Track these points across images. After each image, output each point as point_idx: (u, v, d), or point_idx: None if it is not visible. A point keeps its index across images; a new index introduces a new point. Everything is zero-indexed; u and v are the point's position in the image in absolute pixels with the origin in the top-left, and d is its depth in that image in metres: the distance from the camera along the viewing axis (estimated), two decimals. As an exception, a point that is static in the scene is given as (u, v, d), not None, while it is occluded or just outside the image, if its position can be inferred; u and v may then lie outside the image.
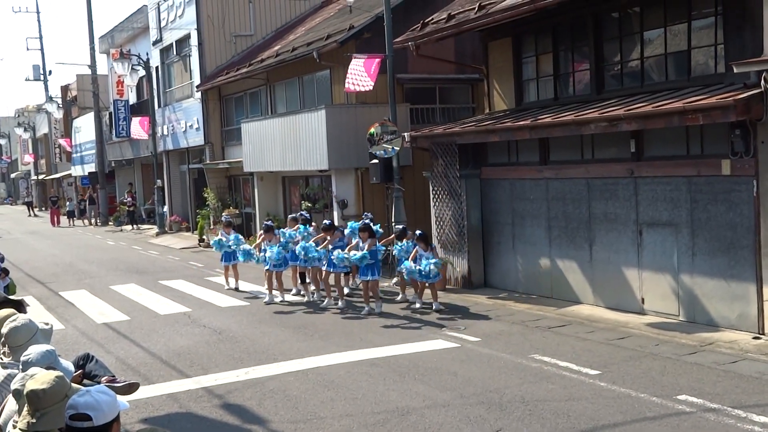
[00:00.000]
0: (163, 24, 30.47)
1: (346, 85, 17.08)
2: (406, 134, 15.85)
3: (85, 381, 5.87)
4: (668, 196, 11.34)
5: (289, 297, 14.92)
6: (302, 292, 15.11)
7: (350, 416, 7.81)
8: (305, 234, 14.78)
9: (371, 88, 16.71)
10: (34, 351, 4.81)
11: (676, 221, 11.26)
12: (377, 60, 16.58)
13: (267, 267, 14.78)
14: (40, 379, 4.07)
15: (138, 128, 32.26)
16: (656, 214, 11.56)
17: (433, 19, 15.44)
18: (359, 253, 13.16)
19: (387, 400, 8.24)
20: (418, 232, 13.77)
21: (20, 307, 6.25)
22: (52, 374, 4.13)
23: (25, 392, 4.08)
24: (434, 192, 15.55)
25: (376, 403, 8.16)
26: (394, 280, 15.43)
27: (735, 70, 9.87)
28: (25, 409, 4.10)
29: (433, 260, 13.22)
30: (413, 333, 11.47)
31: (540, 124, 12.26)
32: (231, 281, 16.41)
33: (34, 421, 3.98)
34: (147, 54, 31.54)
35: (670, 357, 9.48)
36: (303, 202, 21.32)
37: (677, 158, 11.21)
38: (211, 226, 24.85)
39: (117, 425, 3.69)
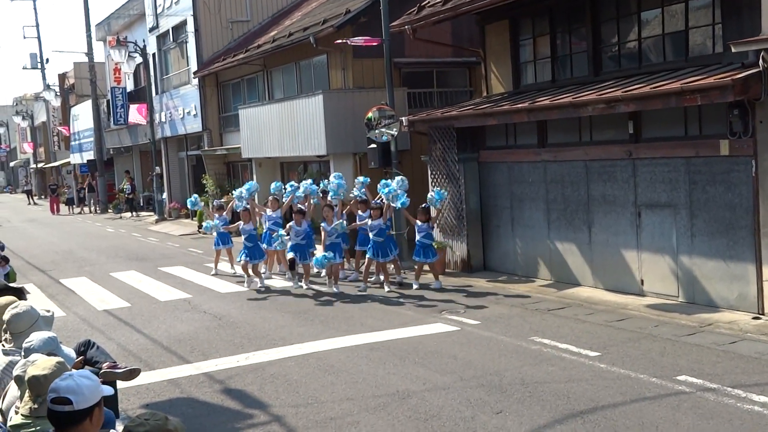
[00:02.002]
0: (159, 10, 30.34)
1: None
2: (403, 118, 15.82)
3: (87, 367, 5.89)
4: (667, 177, 11.33)
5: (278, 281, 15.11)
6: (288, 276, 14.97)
7: (351, 400, 7.84)
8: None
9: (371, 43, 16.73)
10: (35, 338, 4.83)
11: (674, 202, 11.27)
12: (373, 43, 16.54)
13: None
14: (41, 365, 4.09)
15: (136, 115, 32.22)
16: (655, 195, 11.56)
17: (429, 2, 15.37)
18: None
19: (387, 384, 8.27)
20: (423, 205, 14.06)
21: (21, 294, 6.27)
22: (53, 360, 4.15)
23: (26, 378, 4.10)
24: (433, 176, 15.53)
25: (377, 387, 8.19)
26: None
27: (733, 50, 9.83)
28: (27, 394, 4.12)
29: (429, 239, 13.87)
30: (413, 317, 11.50)
31: (538, 106, 12.23)
32: (223, 265, 16.52)
33: (36, 406, 4.01)
34: (143, 41, 31.43)
35: (669, 338, 9.51)
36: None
37: (675, 139, 11.20)
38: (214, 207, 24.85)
39: (99, 410, 3.68)
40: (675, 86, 10.00)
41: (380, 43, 16.50)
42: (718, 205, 10.64)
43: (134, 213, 35.08)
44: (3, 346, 5.33)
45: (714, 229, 10.74)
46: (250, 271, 14.79)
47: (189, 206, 15.71)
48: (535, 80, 14.49)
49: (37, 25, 50.59)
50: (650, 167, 11.57)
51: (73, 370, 3.86)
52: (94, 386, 3.68)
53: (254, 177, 23.41)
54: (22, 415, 4.10)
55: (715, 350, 8.89)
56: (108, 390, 3.95)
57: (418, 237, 13.78)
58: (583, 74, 13.29)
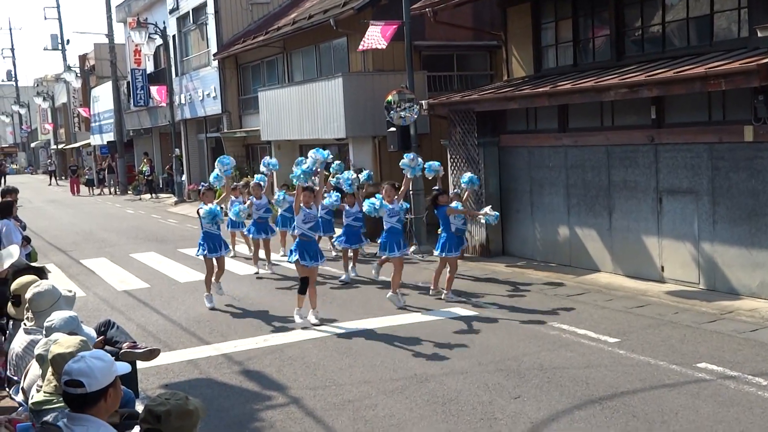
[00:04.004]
0: (179, -8, 30.37)
1: (360, 46, 17.03)
2: (423, 102, 15.76)
3: (107, 347, 5.93)
4: (689, 163, 11.23)
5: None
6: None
7: (368, 383, 7.85)
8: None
9: (384, 46, 16.66)
10: (57, 317, 4.87)
11: (696, 189, 11.16)
12: (393, 27, 16.48)
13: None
14: (64, 343, 4.11)
15: (156, 96, 32.32)
16: (677, 181, 11.46)
17: (451, -16, 15.26)
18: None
19: (405, 368, 8.27)
20: (455, 190, 13.28)
21: (41, 274, 6.31)
22: (77, 339, 4.18)
23: (50, 357, 4.12)
24: (452, 160, 15.48)
25: (395, 370, 8.20)
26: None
27: (759, 35, 9.71)
28: (50, 372, 4.15)
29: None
30: (431, 301, 11.48)
31: (559, 90, 12.14)
32: (241, 248, 16.51)
33: (59, 384, 4.03)
34: (164, 22, 31.47)
35: (689, 325, 9.45)
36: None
37: (699, 125, 11.09)
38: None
39: (114, 390, 3.70)
40: (699, 71, 9.88)
41: (401, 26, 16.42)
42: (741, 192, 10.53)
43: (153, 195, 35.25)
44: (24, 324, 5.37)
45: (736, 215, 10.64)
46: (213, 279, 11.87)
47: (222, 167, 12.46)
48: (556, 64, 14.37)
49: (58, 6, 50.71)
50: (672, 153, 11.46)
51: (86, 351, 3.87)
52: (106, 367, 3.67)
53: (274, 159, 23.45)
54: (45, 392, 4.13)
55: (735, 338, 8.82)
56: (124, 368, 3.97)
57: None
58: (606, 58, 13.17)
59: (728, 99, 10.65)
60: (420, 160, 11.95)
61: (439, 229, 11.78)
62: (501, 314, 10.46)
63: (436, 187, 12.47)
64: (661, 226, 11.78)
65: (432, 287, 11.82)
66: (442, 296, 11.48)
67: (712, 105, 10.95)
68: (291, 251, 10.60)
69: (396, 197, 11.37)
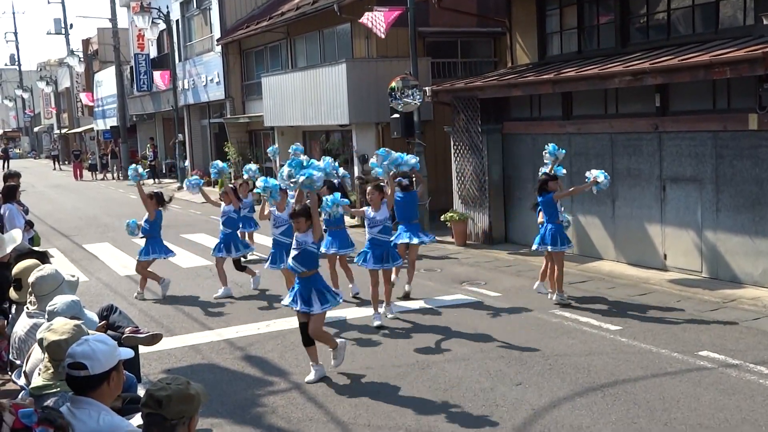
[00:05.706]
0: (183, -24, 30.27)
1: (362, 19, 16.96)
2: (427, 88, 15.71)
3: (109, 332, 5.93)
4: (693, 151, 11.20)
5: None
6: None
7: (370, 369, 7.87)
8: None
9: (382, 36, 16.61)
10: (59, 301, 4.87)
11: (700, 177, 11.14)
12: (396, 13, 16.41)
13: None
14: (58, 330, 4.09)
15: (159, 81, 32.28)
16: (680, 169, 11.43)
17: (455, -30, 15.21)
18: None
19: (407, 354, 8.28)
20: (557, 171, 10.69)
21: (44, 258, 6.30)
22: (70, 324, 4.16)
23: (45, 344, 4.11)
24: (455, 147, 15.45)
25: (396, 357, 8.21)
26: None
27: (764, 22, 9.67)
28: (47, 360, 4.14)
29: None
30: (433, 288, 11.49)
31: (563, 78, 12.10)
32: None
33: (59, 371, 4.03)
34: (167, 7, 31.37)
35: (691, 313, 9.44)
36: (323, 156, 21.28)
37: (703, 113, 11.05)
38: (232, 181, 24.88)
39: (117, 374, 3.71)
40: (704, 59, 9.84)
41: (404, 12, 16.35)
42: (745, 180, 10.50)
43: (156, 180, 35.22)
44: (27, 308, 5.38)
45: (740, 204, 10.62)
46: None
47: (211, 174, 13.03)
48: (561, 51, 14.32)
49: (62, -10, 50.58)
50: (676, 141, 11.43)
51: (90, 335, 3.87)
52: (109, 351, 3.68)
53: (276, 145, 23.44)
54: (44, 379, 4.14)
55: (737, 326, 8.82)
56: (127, 353, 3.97)
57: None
58: (610, 45, 13.12)
59: (733, 87, 10.61)
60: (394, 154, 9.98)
61: (541, 220, 10.32)
62: (503, 301, 10.46)
63: (544, 170, 10.71)
64: (664, 214, 11.76)
65: (550, 289, 10.37)
66: (553, 297, 10.18)
67: (716, 93, 10.90)
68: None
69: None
